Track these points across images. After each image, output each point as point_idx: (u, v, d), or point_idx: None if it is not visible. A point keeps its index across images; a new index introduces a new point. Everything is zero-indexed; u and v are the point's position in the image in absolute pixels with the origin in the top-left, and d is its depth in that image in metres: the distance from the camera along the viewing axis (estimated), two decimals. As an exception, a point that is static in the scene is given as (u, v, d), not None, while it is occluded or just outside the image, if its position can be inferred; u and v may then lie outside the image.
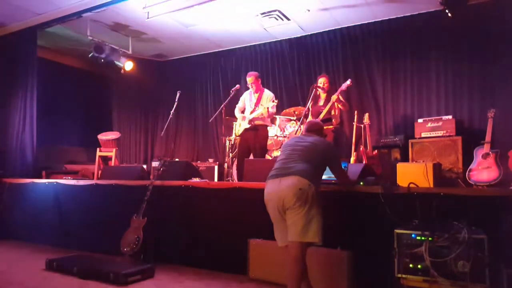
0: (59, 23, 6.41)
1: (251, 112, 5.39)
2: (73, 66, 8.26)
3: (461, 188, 4.16)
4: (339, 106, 5.37)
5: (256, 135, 5.35)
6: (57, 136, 7.75)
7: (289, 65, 7.26)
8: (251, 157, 5.30)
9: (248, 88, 5.54)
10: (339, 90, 5.31)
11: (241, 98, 5.63)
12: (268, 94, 5.45)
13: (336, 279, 3.20)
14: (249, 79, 5.41)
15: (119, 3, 5.77)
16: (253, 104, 5.43)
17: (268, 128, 5.68)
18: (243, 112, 5.55)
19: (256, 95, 5.46)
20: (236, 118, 5.66)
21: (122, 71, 7.45)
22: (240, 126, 5.51)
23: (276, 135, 6.15)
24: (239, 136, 5.55)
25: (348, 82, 5.32)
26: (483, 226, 2.71)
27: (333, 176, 3.24)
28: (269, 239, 3.29)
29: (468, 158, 4.65)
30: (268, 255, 3.53)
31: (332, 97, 5.27)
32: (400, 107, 6.22)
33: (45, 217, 5.29)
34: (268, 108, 5.20)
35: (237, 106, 5.63)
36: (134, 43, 7.39)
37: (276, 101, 5.27)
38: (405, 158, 5.26)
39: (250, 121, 5.37)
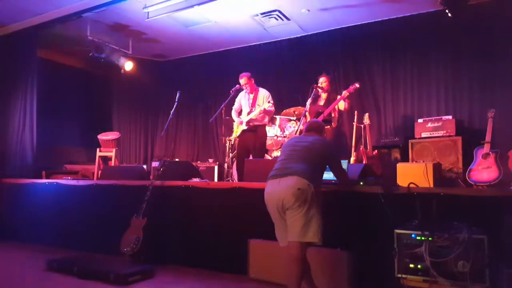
0: (59, 23, 6.41)
1: (248, 113, 5.37)
2: (73, 66, 8.25)
3: (461, 188, 4.15)
4: (343, 106, 5.33)
5: (254, 136, 5.33)
6: (57, 136, 7.73)
7: (289, 65, 7.24)
8: (251, 157, 5.29)
9: (243, 89, 5.52)
10: (346, 93, 5.28)
11: (237, 100, 5.60)
12: (263, 93, 5.41)
13: (336, 279, 3.20)
14: (242, 80, 5.38)
15: (119, 3, 5.77)
16: (249, 104, 5.41)
17: (267, 128, 5.65)
18: (239, 113, 5.53)
19: (251, 95, 5.44)
20: (236, 119, 5.65)
21: (122, 71, 7.45)
22: (238, 128, 5.49)
23: (276, 135, 6.15)
24: (237, 137, 5.53)
25: (357, 85, 5.27)
26: (483, 226, 2.71)
27: (332, 175, 3.24)
28: (269, 239, 3.29)
29: (468, 158, 4.64)
30: (268, 255, 3.53)
31: (338, 97, 5.27)
32: (400, 107, 6.22)
33: (45, 217, 5.28)
34: (264, 108, 5.18)
35: (233, 108, 5.61)
36: (134, 43, 7.39)
37: (271, 101, 5.25)
38: (405, 158, 5.25)
39: (247, 123, 5.35)
